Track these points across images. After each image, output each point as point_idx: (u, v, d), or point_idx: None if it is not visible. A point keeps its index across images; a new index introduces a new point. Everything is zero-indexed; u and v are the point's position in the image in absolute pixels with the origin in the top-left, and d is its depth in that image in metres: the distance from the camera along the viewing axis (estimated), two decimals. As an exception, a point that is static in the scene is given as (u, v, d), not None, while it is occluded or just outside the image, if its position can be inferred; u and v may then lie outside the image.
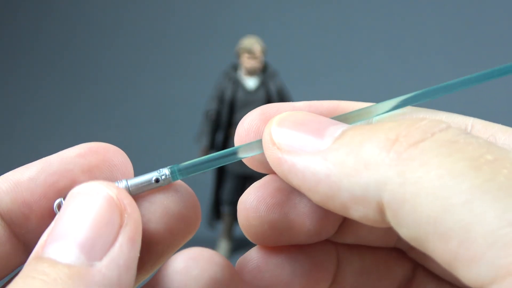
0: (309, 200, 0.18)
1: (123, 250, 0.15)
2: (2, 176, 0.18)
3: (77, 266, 0.15)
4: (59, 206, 0.18)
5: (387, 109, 0.19)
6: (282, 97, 1.06)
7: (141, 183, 0.18)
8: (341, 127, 0.16)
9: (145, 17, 2.02)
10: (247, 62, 1.02)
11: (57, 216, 0.16)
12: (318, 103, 0.20)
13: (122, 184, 0.18)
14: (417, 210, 0.13)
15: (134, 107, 1.67)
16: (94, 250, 0.15)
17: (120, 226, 0.16)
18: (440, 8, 1.90)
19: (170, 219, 0.18)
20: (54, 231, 0.16)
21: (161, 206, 0.18)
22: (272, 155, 0.17)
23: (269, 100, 1.05)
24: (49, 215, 0.18)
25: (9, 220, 0.18)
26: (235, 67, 1.06)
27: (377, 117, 0.20)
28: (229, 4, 2.01)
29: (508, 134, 0.18)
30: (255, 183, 0.20)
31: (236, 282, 0.18)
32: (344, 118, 0.19)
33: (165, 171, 0.18)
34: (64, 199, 0.17)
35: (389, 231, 0.16)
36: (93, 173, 0.18)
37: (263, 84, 1.05)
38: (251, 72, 1.04)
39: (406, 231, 0.14)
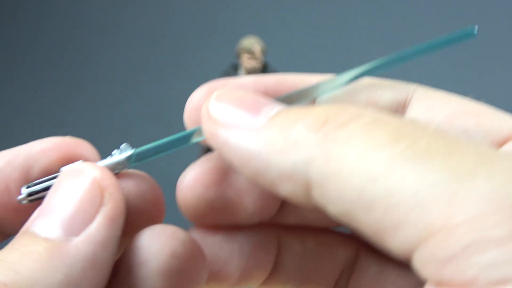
0: (246, 178, 0.19)
1: (100, 228, 0.16)
2: None
3: (54, 240, 0.16)
4: (22, 198, 0.19)
5: (332, 86, 0.20)
6: (282, 97, 1.06)
7: (109, 165, 0.19)
8: (277, 107, 0.17)
9: (145, 17, 2.02)
10: (247, 62, 1.03)
11: (47, 195, 0.17)
12: (264, 77, 0.20)
13: (102, 163, 0.19)
14: (341, 185, 0.14)
15: (134, 107, 1.67)
16: (73, 226, 0.16)
17: (100, 205, 0.16)
18: (440, 8, 1.90)
19: (128, 213, 0.19)
20: (42, 208, 0.17)
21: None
22: (208, 128, 0.17)
23: (269, 100, 1.05)
24: (12, 208, 0.19)
25: None
26: (235, 67, 1.06)
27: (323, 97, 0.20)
28: (229, 4, 2.01)
29: (448, 100, 0.19)
30: (193, 163, 0.20)
31: (198, 257, 0.19)
32: (287, 98, 0.19)
33: (126, 152, 0.19)
34: (25, 187, 0.18)
35: None
36: (51, 171, 0.19)
37: (263, 84, 1.05)
38: (251, 72, 1.04)
39: (333, 208, 0.14)
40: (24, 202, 0.19)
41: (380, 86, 0.20)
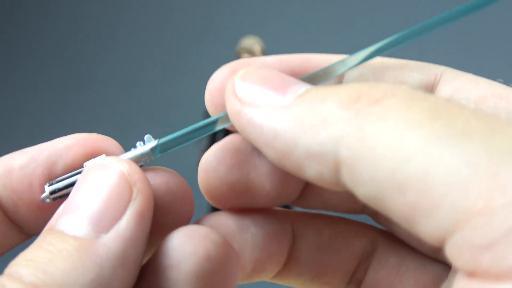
0: (270, 161, 0.18)
1: (130, 224, 0.15)
2: (1, 158, 0.19)
3: (83, 238, 0.15)
4: (46, 196, 0.18)
5: (355, 62, 0.19)
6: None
7: (134, 157, 0.19)
8: (305, 86, 0.16)
9: (145, 17, 2.02)
10: (247, 62, 1.02)
11: (72, 191, 0.17)
12: (290, 56, 0.20)
13: (126, 156, 0.19)
14: (374, 165, 0.13)
15: (134, 106, 1.67)
16: (102, 223, 0.15)
17: (129, 201, 0.16)
18: (440, 8, 1.89)
19: (157, 210, 0.18)
20: (67, 204, 0.16)
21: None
22: (232, 107, 0.17)
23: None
24: (35, 205, 0.19)
25: (1, 203, 0.18)
26: (235, 67, 1.06)
27: (348, 76, 0.19)
28: (229, 4, 2.00)
29: (477, 82, 0.18)
30: (216, 143, 0.20)
31: (232, 260, 0.18)
32: (311, 78, 0.19)
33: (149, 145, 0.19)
34: (47, 185, 0.18)
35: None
36: (75, 167, 0.19)
37: (263, 84, 1.05)
38: (251, 72, 1.04)
39: (363, 189, 0.13)
40: (48, 200, 0.18)
41: (407, 67, 0.19)
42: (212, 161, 0.19)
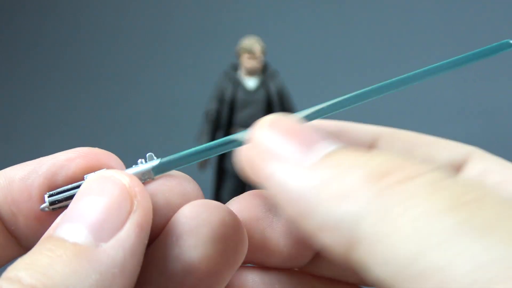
0: (286, 221, 0.18)
1: (130, 234, 0.16)
2: (1, 171, 0.19)
3: (83, 245, 0.15)
4: (46, 205, 0.19)
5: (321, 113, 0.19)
6: (282, 97, 1.06)
7: (141, 173, 0.19)
8: (332, 144, 0.16)
9: (145, 17, 2.02)
10: (247, 62, 1.02)
11: (72, 200, 0.17)
12: (325, 123, 0.20)
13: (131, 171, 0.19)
14: (391, 250, 0.13)
15: (134, 107, 1.67)
16: (102, 232, 0.16)
17: (130, 212, 0.16)
18: (441, 9, 1.89)
19: (171, 212, 0.19)
20: (67, 213, 0.17)
21: (162, 199, 0.19)
22: (253, 157, 0.16)
23: (269, 100, 1.05)
24: (34, 216, 0.19)
25: (0, 215, 0.19)
26: (235, 67, 1.06)
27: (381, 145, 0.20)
28: (229, 4, 2.00)
29: (503, 167, 0.18)
30: (236, 197, 0.20)
31: (241, 228, 0.19)
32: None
33: (153, 161, 0.19)
34: (47, 195, 0.18)
35: None
36: (76, 179, 0.19)
37: (263, 84, 1.05)
38: (251, 72, 1.04)
39: (377, 269, 0.13)
40: (47, 209, 0.18)
41: (437, 144, 0.20)
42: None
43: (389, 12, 1.91)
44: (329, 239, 0.14)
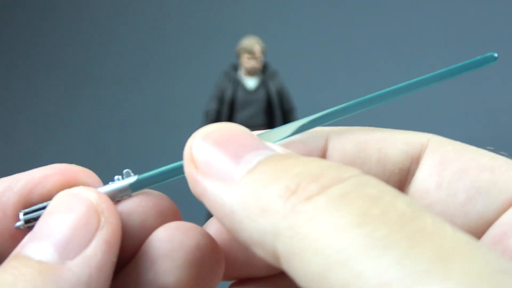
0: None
1: (97, 252, 0.16)
2: None
3: (48, 263, 0.15)
4: (20, 224, 0.18)
5: (286, 134, 0.19)
6: (282, 97, 1.06)
7: (110, 191, 0.18)
8: (259, 155, 0.16)
9: (145, 17, 2.02)
10: (247, 62, 1.02)
11: (39, 218, 0.17)
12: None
13: (103, 190, 0.18)
14: (305, 265, 0.13)
15: (134, 107, 1.67)
16: (68, 249, 0.16)
17: (96, 229, 0.16)
18: (441, 9, 1.89)
19: (146, 234, 0.18)
20: (34, 232, 0.16)
21: (137, 220, 0.18)
22: (189, 173, 0.16)
23: (269, 100, 1.05)
24: (8, 235, 0.18)
25: None
26: (235, 67, 1.06)
27: (332, 149, 0.19)
28: (229, 4, 2.00)
29: (461, 153, 0.18)
30: (212, 217, 0.20)
31: (218, 249, 0.18)
32: (271, 135, 0.18)
33: (128, 178, 0.19)
34: (22, 213, 0.18)
35: None
36: (52, 196, 0.18)
37: (263, 84, 1.05)
38: (251, 72, 1.04)
39: (300, 282, 0.13)
40: (22, 227, 0.18)
41: (392, 137, 0.19)
42: (211, 233, 0.19)
43: (389, 12, 1.91)
44: (260, 253, 0.15)
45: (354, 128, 0.20)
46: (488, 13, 1.84)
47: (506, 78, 1.61)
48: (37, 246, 0.16)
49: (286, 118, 1.06)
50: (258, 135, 0.19)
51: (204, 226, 0.20)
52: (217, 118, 1.05)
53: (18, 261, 0.15)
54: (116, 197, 0.19)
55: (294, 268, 0.13)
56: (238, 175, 0.15)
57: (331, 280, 0.12)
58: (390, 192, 0.14)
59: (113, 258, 0.16)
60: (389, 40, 1.83)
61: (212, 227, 0.20)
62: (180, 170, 0.19)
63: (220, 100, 1.05)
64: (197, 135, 0.17)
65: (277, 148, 0.16)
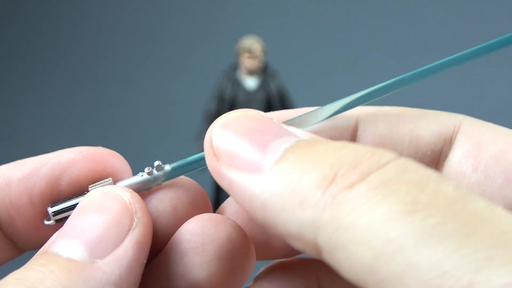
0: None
1: (128, 252, 0.15)
2: None
3: (78, 261, 0.15)
4: (49, 219, 0.18)
5: (332, 112, 0.18)
6: (282, 97, 1.06)
7: (140, 183, 0.18)
8: (285, 142, 0.15)
9: (144, 17, 2.02)
10: (247, 61, 1.02)
11: (69, 216, 0.16)
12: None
13: (124, 183, 0.18)
14: (351, 258, 0.13)
15: (134, 107, 1.67)
16: (99, 248, 0.15)
17: (129, 229, 0.16)
18: (440, 9, 1.89)
19: (178, 219, 0.18)
20: (64, 229, 0.16)
21: (169, 205, 0.18)
22: (211, 166, 0.16)
23: (269, 100, 1.05)
24: (34, 221, 0.18)
25: None
26: (235, 67, 1.06)
27: (364, 130, 0.19)
28: (229, 4, 2.00)
29: (496, 135, 0.18)
30: (231, 197, 0.19)
31: (248, 244, 0.18)
32: (298, 121, 0.18)
33: (163, 168, 0.18)
34: (51, 208, 0.17)
35: None
36: (80, 184, 0.18)
37: (263, 84, 1.05)
38: (251, 72, 1.04)
39: (345, 274, 0.13)
40: (49, 223, 0.18)
41: (424, 118, 0.19)
42: (228, 216, 0.19)
43: (389, 11, 1.91)
44: (298, 246, 0.14)
45: (385, 108, 0.19)
46: (488, 13, 1.84)
47: (506, 78, 1.61)
48: (67, 244, 0.15)
49: (286, 118, 1.06)
50: (285, 121, 0.18)
51: (220, 208, 0.20)
52: (217, 118, 1.05)
53: (46, 258, 0.15)
54: (147, 188, 0.18)
55: (339, 260, 0.13)
56: (266, 166, 0.15)
57: (383, 272, 0.12)
58: (434, 176, 0.13)
59: (143, 259, 0.16)
60: (390, 40, 1.83)
61: (230, 208, 0.19)
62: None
63: (220, 99, 1.05)
64: (216, 125, 0.16)
65: (300, 133, 0.16)
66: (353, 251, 0.12)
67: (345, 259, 0.13)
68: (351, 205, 0.13)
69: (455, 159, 0.18)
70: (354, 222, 0.13)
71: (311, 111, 0.18)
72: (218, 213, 0.19)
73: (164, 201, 0.18)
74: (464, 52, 0.19)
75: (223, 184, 0.16)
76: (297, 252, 0.20)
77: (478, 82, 1.59)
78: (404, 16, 1.89)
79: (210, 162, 0.16)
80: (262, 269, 0.21)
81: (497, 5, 1.86)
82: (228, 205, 0.20)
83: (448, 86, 1.56)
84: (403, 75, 0.19)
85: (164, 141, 1.45)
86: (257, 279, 0.20)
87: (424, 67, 0.19)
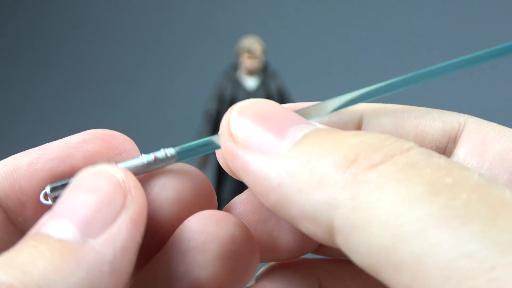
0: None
1: (122, 231, 0.15)
2: (2, 160, 0.17)
3: (69, 241, 0.14)
4: (46, 196, 0.17)
5: (339, 105, 0.18)
6: (283, 98, 1.06)
7: (142, 165, 0.17)
8: (305, 128, 0.15)
9: (144, 17, 2.01)
10: (247, 61, 1.02)
11: (61, 196, 0.16)
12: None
13: (124, 165, 0.17)
14: (369, 238, 0.12)
15: (134, 107, 1.67)
16: (91, 227, 0.15)
17: (122, 207, 0.15)
18: (440, 8, 1.89)
19: (182, 206, 0.18)
20: (54, 209, 0.15)
21: (173, 192, 0.18)
22: (227, 147, 0.16)
23: (269, 100, 1.05)
24: (44, 206, 0.17)
25: (5, 206, 0.17)
26: (235, 67, 1.06)
27: (368, 122, 0.19)
28: (229, 4, 2.00)
29: (501, 135, 0.18)
30: (237, 196, 0.19)
31: (254, 241, 0.18)
32: (307, 112, 0.18)
33: (166, 151, 0.18)
34: (50, 189, 0.17)
35: None
36: (95, 159, 0.17)
37: (263, 84, 1.05)
38: (251, 72, 1.04)
39: (358, 258, 0.13)
40: (47, 202, 0.17)
41: (429, 115, 0.19)
42: (234, 214, 0.19)
43: (389, 11, 1.91)
44: (310, 228, 0.14)
45: (390, 105, 0.19)
46: (488, 13, 1.84)
47: (506, 78, 1.61)
48: (57, 224, 0.15)
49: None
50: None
51: (226, 207, 0.19)
52: (217, 118, 1.05)
53: (37, 239, 0.14)
54: (151, 169, 0.18)
55: (354, 242, 0.13)
56: (285, 148, 0.14)
57: (402, 252, 0.12)
58: (458, 163, 0.13)
59: (138, 239, 0.15)
60: (390, 40, 1.83)
61: (235, 208, 0.19)
62: (211, 145, 0.18)
63: (220, 99, 1.05)
64: (234, 109, 0.16)
65: (318, 124, 0.16)
66: (371, 231, 0.12)
67: (361, 240, 0.12)
68: (373, 185, 0.13)
69: (461, 156, 0.18)
70: (375, 202, 0.12)
71: (317, 104, 0.18)
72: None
73: (168, 188, 0.18)
74: (465, 57, 0.19)
75: (236, 166, 0.15)
76: (302, 254, 0.19)
77: (478, 82, 1.59)
78: (404, 16, 1.89)
79: (225, 144, 0.16)
80: (262, 268, 0.20)
81: (497, 5, 1.86)
82: (233, 205, 0.19)
83: (448, 86, 1.56)
84: (406, 75, 0.19)
85: (164, 141, 1.44)
86: (259, 278, 0.20)
87: (431, 68, 0.19)
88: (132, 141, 0.18)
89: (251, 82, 1.05)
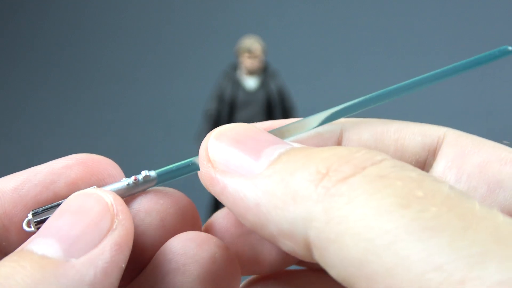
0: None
1: (105, 253, 0.15)
2: None
3: (51, 258, 0.14)
4: (29, 223, 0.17)
5: (319, 121, 0.18)
6: (282, 97, 1.06)
7: (122, 188, 0.18)
8: (280, 148, 0.15)
9: (144, 17, 2.02)
10: (247, 61, 1.02)
11: (50, 216, 0.16)
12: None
13: (107, 188, 0.18)
14: (342, 251, 0.12)
15: (134, 107, 1.67)
16: (75, 247, 0.15)
17: (108, 230, 0.15)
18: (440, 8, 1.89)
19: (166, 231, 0.18)
20: (41, 229, 0.16)
21: (157, 218, 0.18)
22: (206, 173, 0.16)
23: (269, 100, 1.05)
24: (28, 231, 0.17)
25: None
26: (235, 67, 1.06)
27: (348, 139, 0.19)
28: (229, 4, 2.00)
29: (480, 147, 0.18)
30: (219, 211, 0.19)
31: (235, 262, 0.18)
32: (286, 130, 0.18)
33: (146, 173, 0.18)
34: (32, 215, 0.17)
35: None
36: (77, 185, 0.18)
37: (263, 84, 1.05)
38: (251, 72, 1.04)
39: (334, 271, 0.13)
40: (30, 230, 0.17)
41: (409, 128, 0.19)
42: (216, 231, 0.19)
43: (389, 12, 1.91)
44: (289, 245, 0.14)
45: (369, 120, 0.20)
46: (488, 13, 1.84)
47: (506, 78, 1.61)
48: (42, 242, 0.15)
49: (286, 118, 1.06)
50: (271, 131, 0.18)
51: (209, 221, 0.19)
52: (217, 118, 1.05)
53: (20, 254, 0.15)
54: (133, 192, 0.18)
55: (329, 255, 0.13)
56: (260, 168, 0.15)
57: (374, 265, 0.12)
58: (429, 176, 0.13)
59: (122, 263, 0.15)
60: (390, 40, 1.83)
61: (218, 223, 0.19)
62: (194, 166, 0.18)
63: (220, 99, 1.05)
64: (211, 136, 0.17)
65: (294, 144, 0.16)
66: (344, 244, 0.12)
67: (335, 253, 0.12)
68: (344, 198, 0.13)
69: (439, 169, 0.18)
70: (347, 215, 0.12)
71: (296, 121, 0.19)
72: (205, 228, 0.19)
73: (152, 213, 0.18)
74: (456, 64, 0.19)
75: (215, 190, 0.16)
76: (285, 266, 0.20)
77: (478, 82, 1.59)
78: (404, 17, 1.89)
79: (204, 170, 0.16)
80: (244, 282, 0.20)
81: (497, 5, 1.86)
82: (215, 220, 0.19)
83: (448, 86, 1.56)
84: (393, 86, 0.19)
85: (164, 141, 1.45)
86: None
87: (414, 79, 0.19)
88: (117, 165, 0.19)
89: (251, 82, 1.05)
